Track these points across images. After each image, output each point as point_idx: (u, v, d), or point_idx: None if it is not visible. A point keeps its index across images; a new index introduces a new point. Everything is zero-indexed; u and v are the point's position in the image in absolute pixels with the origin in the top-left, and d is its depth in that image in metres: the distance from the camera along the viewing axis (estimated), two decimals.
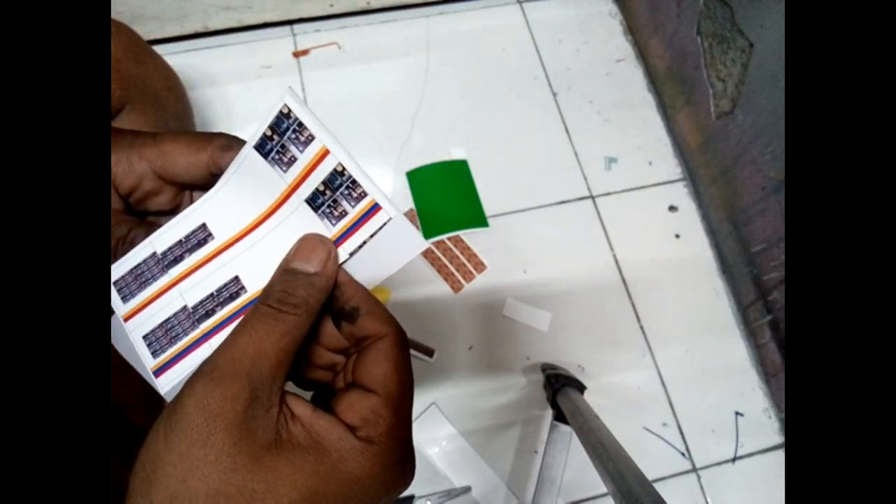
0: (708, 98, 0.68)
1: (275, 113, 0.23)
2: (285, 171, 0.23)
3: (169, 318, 0.24)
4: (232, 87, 0.77)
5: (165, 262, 0.24)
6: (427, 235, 0.69)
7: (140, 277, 0.24)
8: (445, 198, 0.72)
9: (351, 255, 0.23)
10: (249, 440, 0.18)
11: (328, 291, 0.22)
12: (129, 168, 0.24)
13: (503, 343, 0.66)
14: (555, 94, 0.80)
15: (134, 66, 0.55)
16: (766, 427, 0.65)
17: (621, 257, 0.71)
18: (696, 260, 0.72)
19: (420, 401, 0.63)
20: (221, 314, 0.23)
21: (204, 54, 0.79)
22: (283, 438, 0.19)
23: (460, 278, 0.68)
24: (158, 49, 0.62)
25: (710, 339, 0.68)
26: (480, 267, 0.69)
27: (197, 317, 0.23)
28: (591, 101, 0.80)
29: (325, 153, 0.22)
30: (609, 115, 0.79)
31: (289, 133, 0.23)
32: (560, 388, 0.57)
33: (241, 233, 0.24)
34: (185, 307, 0.24)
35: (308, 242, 0.22)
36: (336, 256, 0.22)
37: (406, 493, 0.59)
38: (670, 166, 0.77)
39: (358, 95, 0.78)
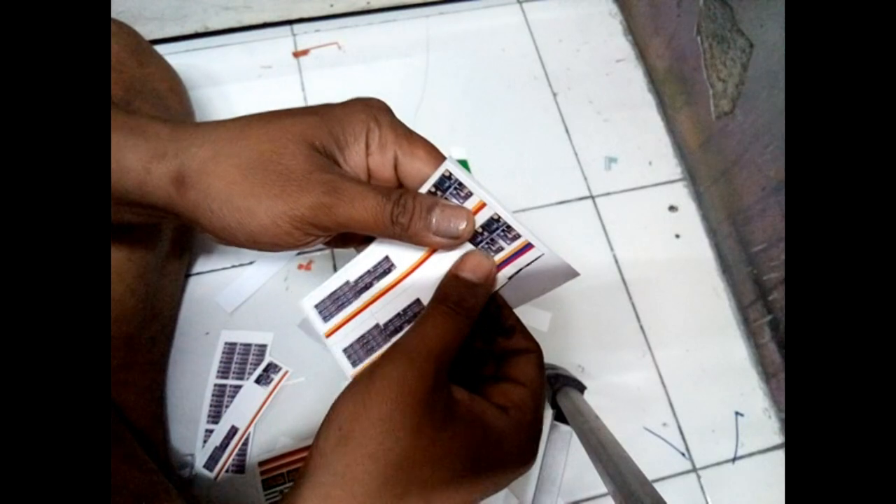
0: (708, 98, 0.68)
1: (438, 175, 0.27)
2: None
3: (364, 335, 0.29)
4: (232, 86, 0.77)
5: (357, 289, 0.29)
6: None
7: (337, 301, 0.29)
8: None
9: (510, 279, 0.27)
10: (432, 414, 0.22)
11: (487, 300, 0.27)
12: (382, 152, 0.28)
13: None
14: (555, 94, 0.80)
15: (136, 68, 0.55)
16: (766, 427, 0.65)
17: (621, 257, 0.71)
18: (696, 260, 0.72)
19: None
20: (408, 329, 0.28)
21: (204, 54, 0.79)
22: (453, 415, 0.23)
23: None
24: (158, 49, 0.62)
25: (710, 339, 0.68)
26: None
27: (388, 332, 0.28)
28: (591, 101, 0.80)
29: (482, 205, 0.26)
30: (609, 115, 0.79)
31: (450, 190, 0.27)
32: (560, 388, 0.57)
33: (417, 263, 0.28)
34: (377, 325, 0.29)
35: (475, 256, 0.27)
36: (495, 271, 0.27)
37: None
38: (670, 166, 0.77)
39: (358, 95, 0.77)
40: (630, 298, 0.69)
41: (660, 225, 0.73)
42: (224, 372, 0.62)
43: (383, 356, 0.24)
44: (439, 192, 0.27)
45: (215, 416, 0.61)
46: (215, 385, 0.62)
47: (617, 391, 0.65)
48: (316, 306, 0.30)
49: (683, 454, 0.63)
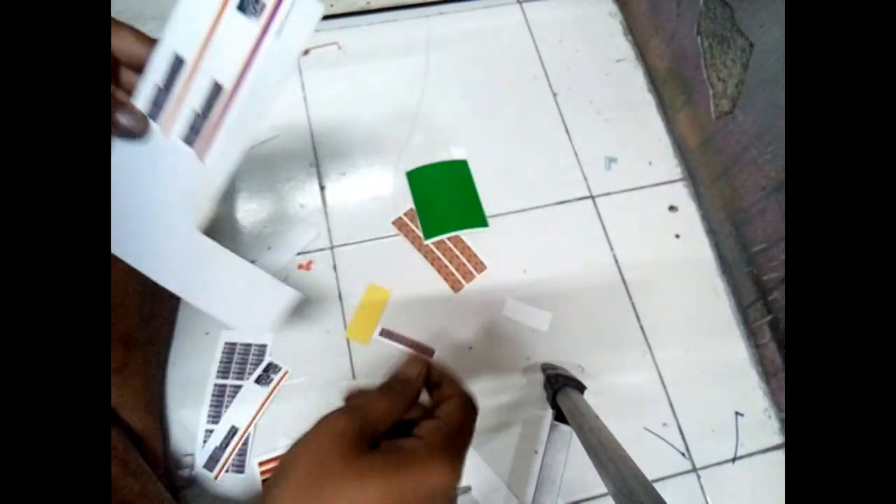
0: (708, 98, 0.68)
1: None
2: None
3: (191, 122, 0.33)
4: None
5: (167, 88, 0.33)
6: (427, 235, 0.69)
7: (157, 104, 0.33)
8: (445, 198, 0.72)
9: (277, 36, 0.31)
10: (358, 447, 0.28)
11: (421, 387, 0.35)
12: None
13: (503, 343, 0.66)
14: (555, 94, 0.80)
15: None
16: (766, 427, 0.65)
17: (621, 257, 0.71)
18: (696, 260, 0.72)
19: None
20: (219, 107, 0.33)
21: None
22: (376, 448, 0.28)
23: (460, 278, 0.68)
24: None
25: (710, 339, 0.68)
26: (480, 267, 0.69)
27: (203, 115, 0.33)
28: (591, 101, 0.80)
29: None
30: (609, 115, 0.79)
31: None
32: (560, 388, 0.57)
33: (200, 49, 0.32)
34: (195, 112, 0.33)
35: (411, 359, 0.35)
36: (426, 365, 0.35)
37: None
38: (670, 166, 0.77)
39: (358, 95, 0.78)
40: (630, 298, 0.69)
41: (660, 225, 0.73)
42: (224, 372, 0.62)
43: (332, 411, 0.30)
44: None
45: (215, 416, 0.60)
46: (215, 385, 0.62)
47: (617, 391, 0.65)
48: (148, 115, 0.34)
49: (683, 454, 0.63)
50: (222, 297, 0.37)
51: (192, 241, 0.36)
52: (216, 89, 0.33)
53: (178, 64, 0.33)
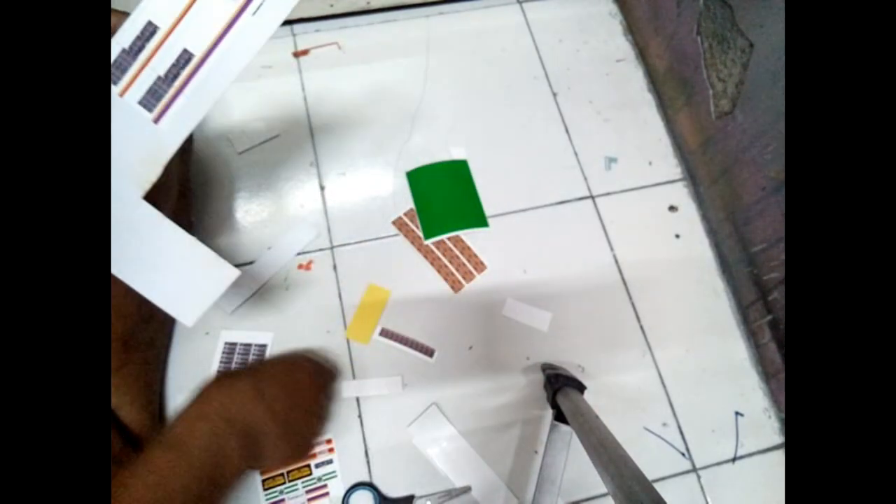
0: (708, 98, 0.68)
1: None
2: None
3: (151, 86, 0.35)
4: (232, 86, 0.77)
5: (133, 53, 0.35)
6: (427, 235, 0.69)
7: (120, 67, 0.35)
8: (445, 198, 0.72)
9: (253, 15, 0.33)
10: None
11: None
12: None
13: (503, 343, 0.66)
14: (555, 94, 0.80)
15: None
16: (766, 427, 0.65)
17: (621, 257, 0.71)
18: (696, 260, 0.72)
19: (420, 401, 0.63)
20: (185, 73, 0.35)
21: None
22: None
23: (460, 278, 0.68)
24: None
25: (710, 339, 0.68)
26: (480, 267, 0.69)
27: (169, 80, 0.35)
28: (591, 101, 0.80)
29: None
30: (609, 115, 0.79)
31: None
32: (560, 388, 0.57)
33: (177, 19, 0.34)
34: (159, 76, 0.35)
35: None
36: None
37: (406, 493, 0.59)
38: (670, 166, 0.77)
39: (358, 95, 0.78)
40: (630, 298, 0.69)
41: (660, 225, 0.73)
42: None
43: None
44: None
45: None
46: None
47: (617, 391, 0.65)
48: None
49: (683, 454, 0.63)
50: (157, 273, 0.37)
51: (134, 208, 0.36)
52: (186, 56, 0.35)
53: (150, 30, 0.34)
